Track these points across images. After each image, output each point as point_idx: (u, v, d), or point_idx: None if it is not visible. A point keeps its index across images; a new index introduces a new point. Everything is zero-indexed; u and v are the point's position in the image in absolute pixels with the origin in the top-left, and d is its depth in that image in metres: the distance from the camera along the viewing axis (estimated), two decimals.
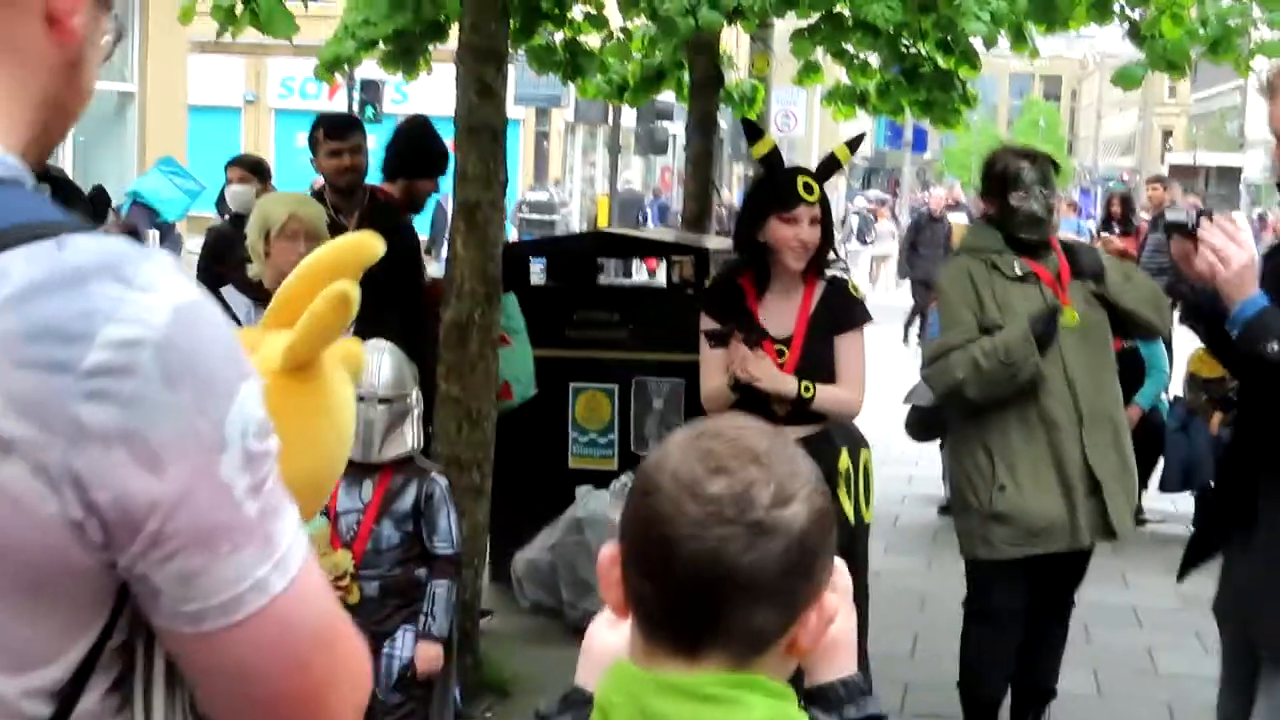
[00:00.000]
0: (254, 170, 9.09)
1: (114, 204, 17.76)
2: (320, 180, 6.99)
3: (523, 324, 6.86)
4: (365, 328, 5.49)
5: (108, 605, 1.38)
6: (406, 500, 4.84)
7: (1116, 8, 8.37)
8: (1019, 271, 5.32)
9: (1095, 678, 6.79)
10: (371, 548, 4.80)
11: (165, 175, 17.71)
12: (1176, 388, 10.68)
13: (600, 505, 7.15)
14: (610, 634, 1.78)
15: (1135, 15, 8.46)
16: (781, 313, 5.10)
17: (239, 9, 6.52)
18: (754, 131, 5.41)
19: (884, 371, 9.40)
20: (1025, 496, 5.29)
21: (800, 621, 1.63)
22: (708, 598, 1.59)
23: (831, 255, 5.21)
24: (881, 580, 5.69)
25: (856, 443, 5.41)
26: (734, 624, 1.60)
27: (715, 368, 5.08)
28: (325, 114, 6.80)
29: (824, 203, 5.07)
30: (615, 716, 1.64)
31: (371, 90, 25.77)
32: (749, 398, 5.00)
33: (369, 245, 1.78)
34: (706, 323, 5.16)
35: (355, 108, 26.41)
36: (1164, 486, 10.07)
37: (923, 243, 19.69)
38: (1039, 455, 5.29)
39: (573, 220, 30.08)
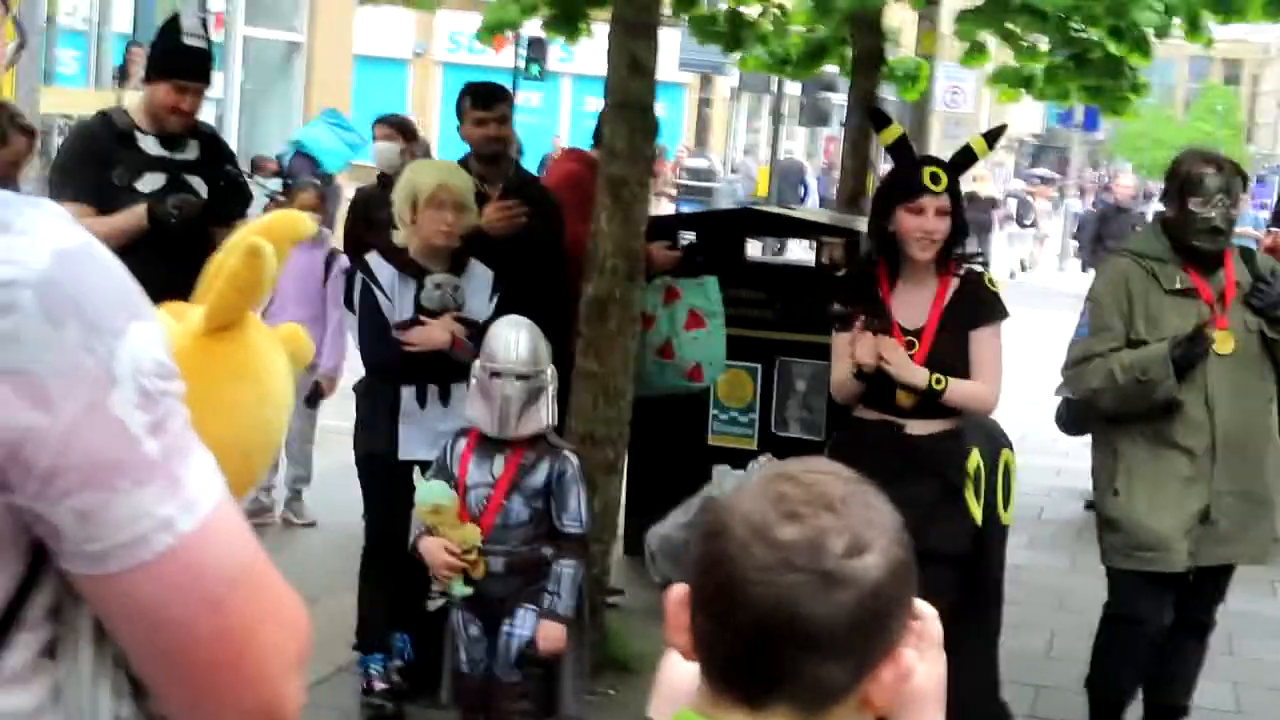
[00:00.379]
0: (400, 129, 9.11)
1: (277, 153, 18.06)
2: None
3: (720, 308, 6.83)
4: (506, 303, 5.54)
5: (20, 553, 1.38)
6: (538, 477, 4.84)
7: None
8: (1179, 285, 5.19)
9: (1235, 692, 6.61)
10: (500, 522, 4.80)
11: (329, 126, 17.91)
12: None
13: (735, 485, 7.08)
14: (685, 667, 1.70)
15: None
16: (914, 304, 5.01)
17: None
18: (881, 119, 5.30)
19: (1040, 359, 9.22)
20: (1136, 508, 5.21)
21: (873, 677, 1.57)
22: (773, 647, 1.54)
23: (970, 248, 5.12)
24: (1021, 576, 5.58)
25: (996, 442, 5.30)
26: (800, 675, 1.54)
27: (845, 354, 5.01)
28: (472, 82, 6.72)
29: (954, 193, 4.95)
30: None
31: (538, 48, 25.85)
32: (876, 387, 4.92)
33: (299, 222, 1.78)
34: (837, 310, 5.09)
35: (522, 65, 26.55)
36: None
37: (1109, 235, 18.97)
38: (1162, 472, 5.19)
39: (735, 188, 29.95)
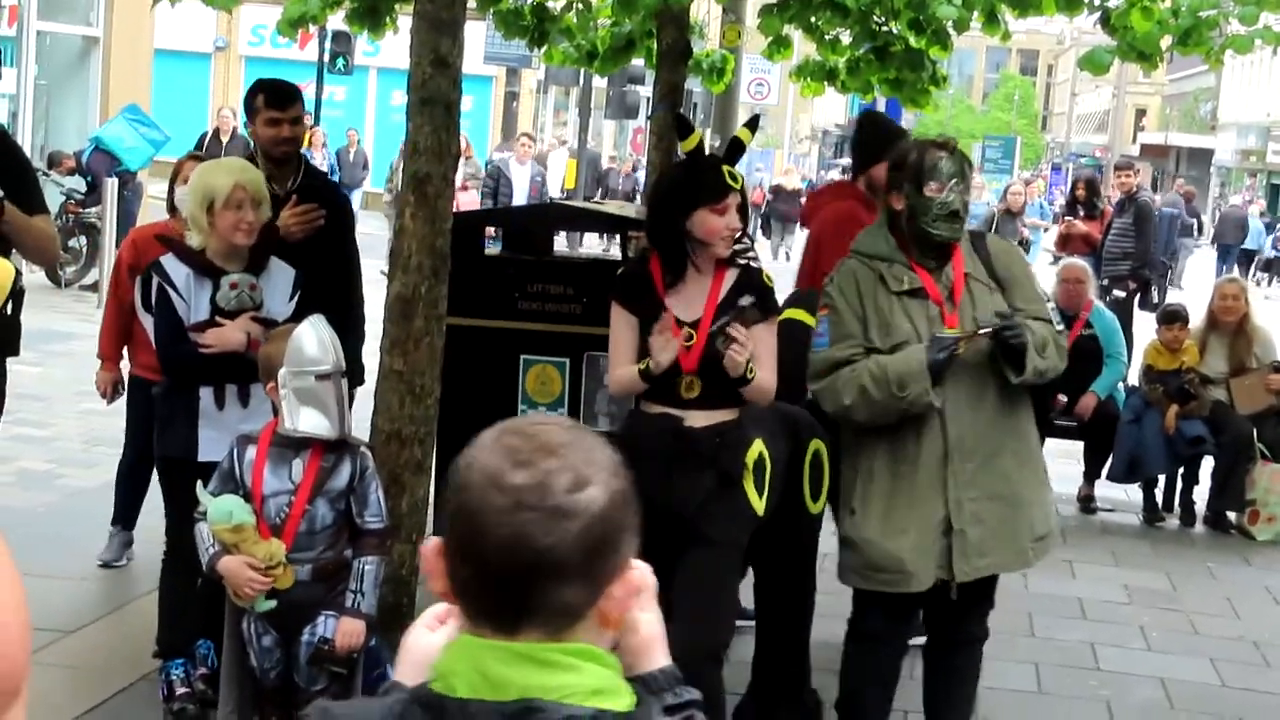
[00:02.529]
0: None
1: (75, 150, 17.67)
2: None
3: None
4: (304, 301, 5.46)
5: None
6: (341, 478, 4.78)
7: None
8: (906, 285, 5.00)
9: (1037, 673, 6.75)
10: (305, 529, 4.73)
11: (130, 123, 17.59)
12: (1134, 379, 10.67)
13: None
14: (429, 636, 1.96)
15: (1107, 3, 8.39)
16: (690, 295, 5.01)
17: None
18: (685, 126, 5.31)
19: None
20: (871, 529, 5.01)
21: (606, 594, 1.81)
22: (517, 578, 1.77)
23: (745, 244, 5.15)
24: (828, 565, 5.60)
25: (803, 431, 5.34)
26: (545, 601, 1.77)
27: (625, 354, 5.01)
28: (265, 80, 6.56)
29: (742, 189, 5.01)
30: (457, 683, 1.79)
31: (343, 41, 25.61)
32: (658, 381, 4.94)
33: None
34: (616, 310, 5.08)
35: (327, 59, 26.26)
36: (1111, 476, 10.07)
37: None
38: (900, 490, 4.99)
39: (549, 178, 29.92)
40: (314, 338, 4.73)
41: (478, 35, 19.61)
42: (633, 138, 36.41)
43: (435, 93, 5.63)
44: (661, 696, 1.99)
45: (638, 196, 19.28)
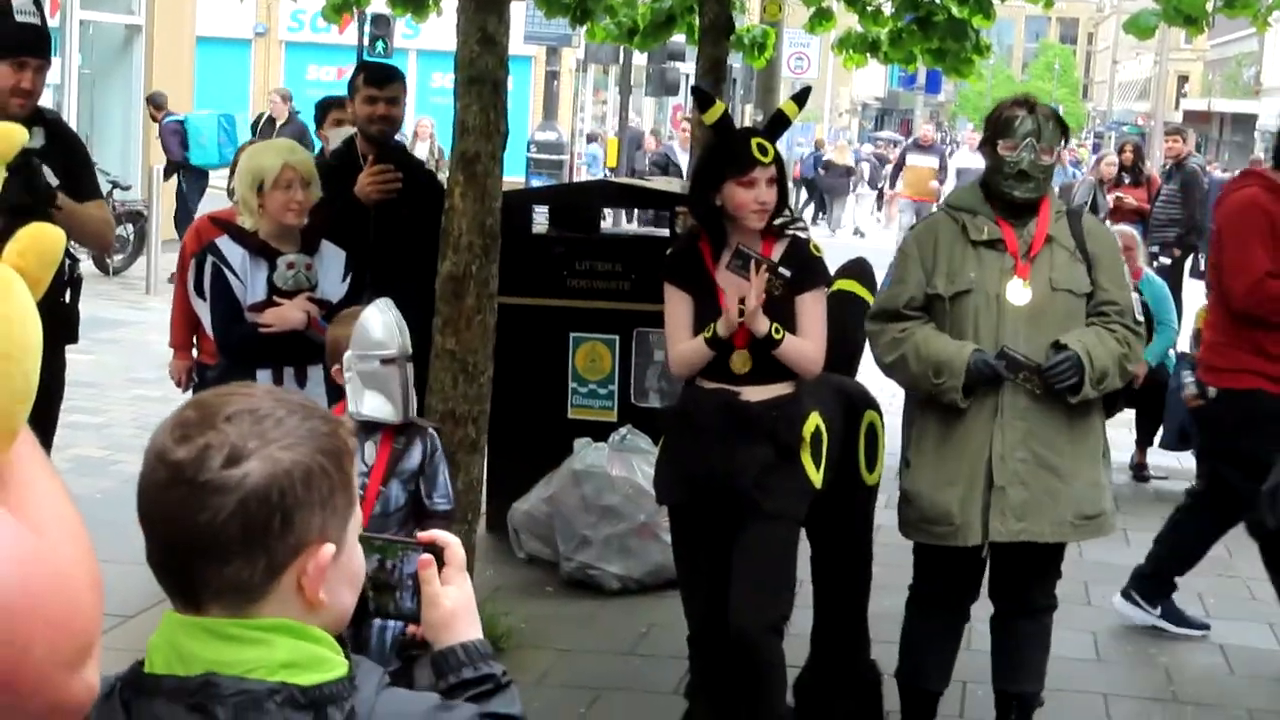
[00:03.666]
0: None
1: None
2: (330, 147, 6.98)
3: None
4: (391, 275, 5.51)
5: None
6: (414, 458, 4.78)
7: None
8: (985, 236, 5.00)
9: (1095, 641, 6.74)
10: (379, 511, 4.72)
11: (219, 127, 17.64)
12: (1184, 345, 10.60)
13: (598, 457, 7.10)
14: None
15: None
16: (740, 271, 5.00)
17: None
18: (705, 99, 5.30)
19: None
20: (924, 480, 5.03)
21: (298, 569, 1.78)
22: (179, 557, 1.76)
23: (789, 215, 5.12)
24: (881, 537, 5.60)
25: (858, 403, 5.33)
26: (209, 578, 1.76)
27: (682, 332, 5.00)
28: (368, 61, 6.86)
29: (779, 162, 4.98)
30: (156, 658, 1.80)
31: (383, 25, 25.59)
32: (711, 360, 4.93)
33: (11, 131, 1.72)
34: (669, 290, 5.07)
35: (367, 42, 26.30)
36: (1163, 445, 10.01)
37: None
38: (951, 441, 4.99)
39: (579, 160, 29.91)
40: (380, 321, 4.73)
41: (518, 15, 19.61)
42: (672, 115, 36.36)
43: (482, 71, 5.65)
44: (460, 672, 2.00)
45: (679, 171, 19.24)
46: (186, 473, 1.73)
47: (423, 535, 2.08)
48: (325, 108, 8.19)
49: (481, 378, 5.82)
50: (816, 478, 4.97)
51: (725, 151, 4.99)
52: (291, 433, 1.77)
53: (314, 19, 29.24)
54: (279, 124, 17.63)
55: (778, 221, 5.01)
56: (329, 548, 1.81)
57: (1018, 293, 4.95)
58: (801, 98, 5.41)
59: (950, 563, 5.12)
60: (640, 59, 25.91)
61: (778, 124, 5.18)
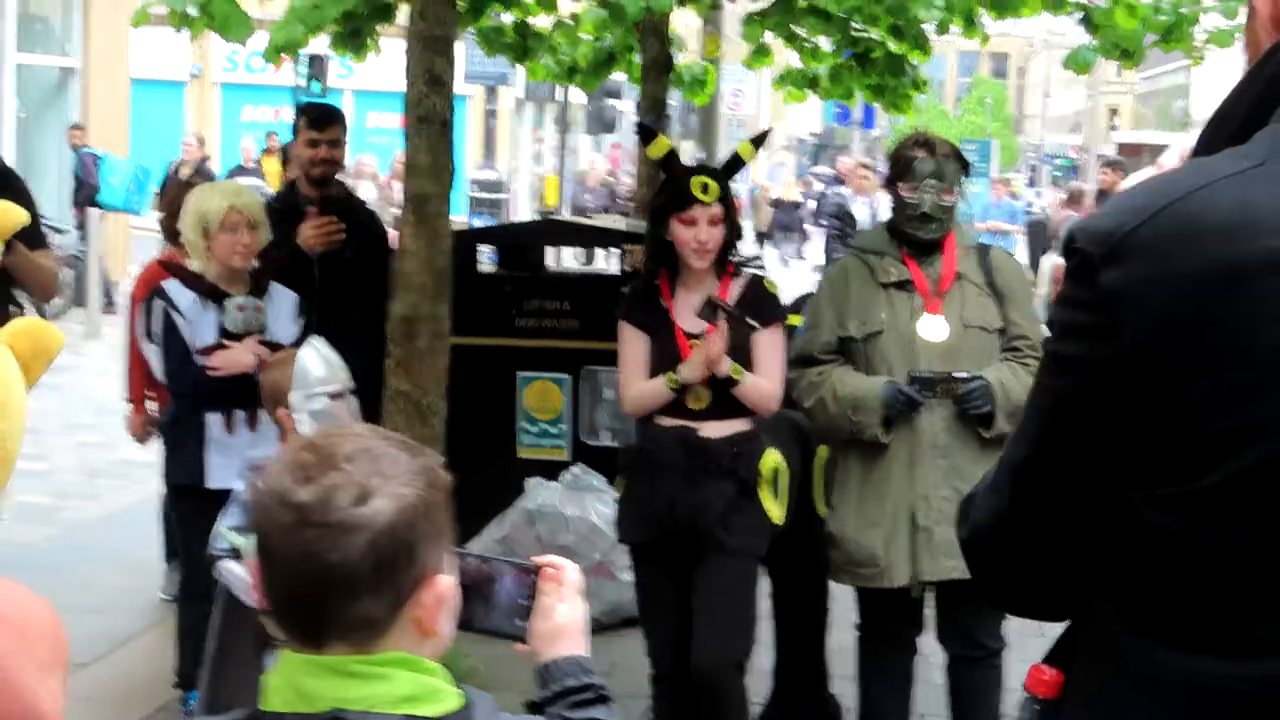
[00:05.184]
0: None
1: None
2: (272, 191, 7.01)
3: None
4: (336, 318, 5.50)
5: None
6: None
7: None
8: (894, 277, 4.98)
9: None
10: None
11: (132, 175, 17.53)
12: None
13: (551, 497, 7.08)
14: None
15: (1089, 3, 8.43)
16: (695, 307, 5.00)
17: (193, 11, 6.37)
18: (647, 133, 5.33)
19: None
20: (848, 523, 4.99)
21: (414, 603, 1.83)
22: (309, 595, 1.79)
23: (749, 252, 5.14)
24: None
25: (808, 438, 5.34)
26: (340, 615, 1.79)
27: (637, 370, 5.00)
28: (309, 103, 6.95)
29: (726, 200, 4.98)
30: (276, 698, 1.83)
31: (318, 65, 25.54)
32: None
33: (11, 212, 1.76)
34: (625, 328, 5.07)
35: (303, 82, 26.23)
36: None
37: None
38: (871, 481, 4.95)
39: (520, 199, 29.95)
40: (319, 359, 4.70)
41: (458, 54, 19.62)
42: (610, 153, 36.46)
43: (431, 111, 5.65)
44: (563, 681, 2.09)
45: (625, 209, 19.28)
46: (315, 514, 1.77)
47: (538, 559, 2.15)
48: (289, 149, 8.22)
49: (435, 418, 5.80)
50: (777, 514, 4.97)
51: (670, 188, 5.01)
52: (406, 469, 1.83)
53: (249, 59, 29.19)
54: (187, 174, 17.18)
55: (735, 259, 5.04)
56: (445, 579, 1.87)
57: (932, 329, 4.94)
58: (759, 140, 5.43)
59: (885, 603, 5.08)
60: (577, 96, 25.97)
61: (733, 165, 5.21)
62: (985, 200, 23.43)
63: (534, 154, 38.44)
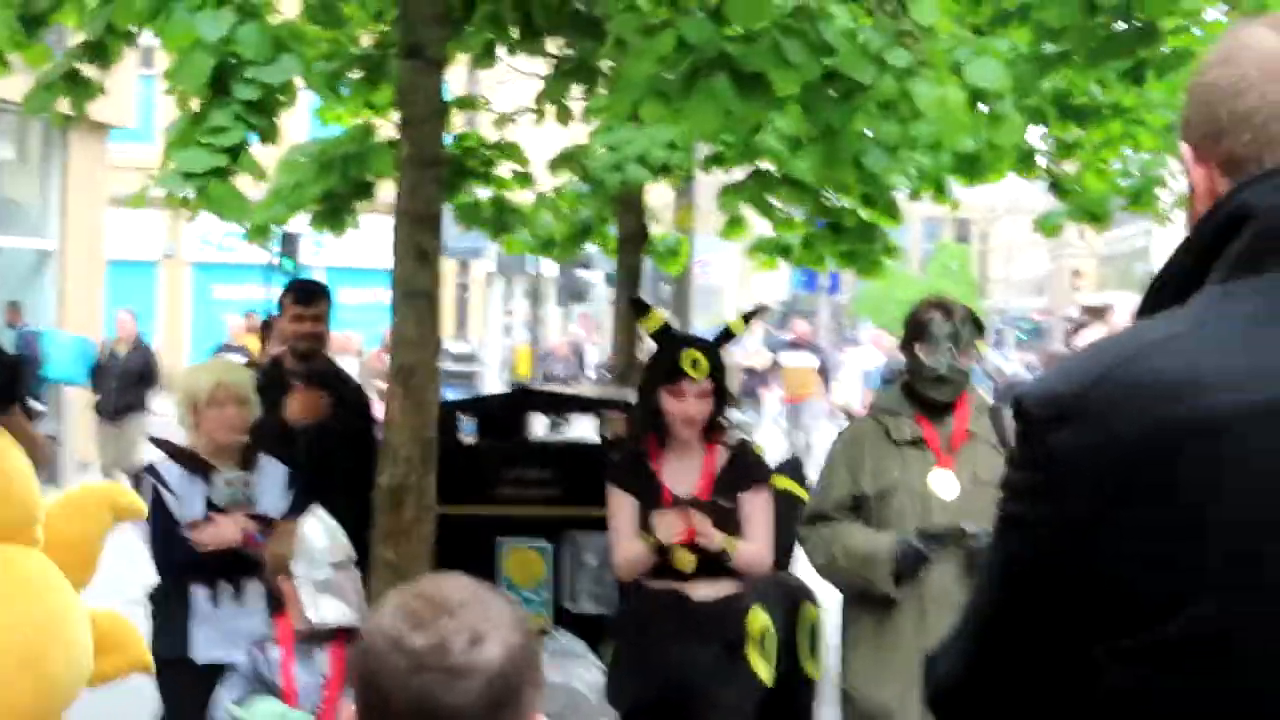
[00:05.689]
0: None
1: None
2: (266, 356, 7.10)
3: None
4: (319, 490, 5.53)
5: None
6: None
7: (1041, 161, 8.54)
8: (908, 436, 5.04)
9: None
10: None
11: (77, 353, 17.28)
12: None
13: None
14: None
15: (1058, 169, 8.64)
16: (684, 473, 5.11)
17: (190, 195, 6.50)
18: (642, 308, 5.48)
19: None
20: (859, 678, 4.99)
21: None
22: None
23: (730, 420, 5.24)
24: None
25: (796, 595, 5.39)
26: None
27: (628, 532, 5.06)
28: (296, 280, 7.14)
29: (716, 373, 5.07)
30: None
31: (290, 243, 25.75)
32: (657, 560, 5.01)
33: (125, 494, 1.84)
34: (613, 492, 5.13)
35: (275, 260, 26.42)
36: None
37: None
38: (884, 635, 4.96)
39: (491, 371, 30.07)
40: (322, 530, 4.74)
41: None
42: (580, 323, 36.68)
43: (418, 286, 5.76)
44: None
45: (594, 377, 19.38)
46: (431, 658, 1.84)
47: None
48: (269, 325, 8.39)
49: None
50: (766, 675, 5.00)
51: (661, 360, 5.11)
52: (509, 615, 1.91)
53: (222, 239, 29.42)
54: (124, 353, 16.48)
55: (727, 431, 5.13)
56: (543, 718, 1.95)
57: (944, 485, 4.98)
58: (750, 315, 5.58)
59: None
60: (548, 269, 26.25)
61: (725, 337, 5.33)
62: None
63: (504, 326, 38.68)
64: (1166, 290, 1.81)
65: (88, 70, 6.76)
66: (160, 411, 14.98)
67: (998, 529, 1.84)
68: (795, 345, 22.84)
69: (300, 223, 10.04)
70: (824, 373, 22.02)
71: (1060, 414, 1.72)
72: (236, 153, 6.07)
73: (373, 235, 10.91)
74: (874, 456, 5.05)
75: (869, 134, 7.22)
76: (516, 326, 37.26)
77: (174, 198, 6.49)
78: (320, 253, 26.50)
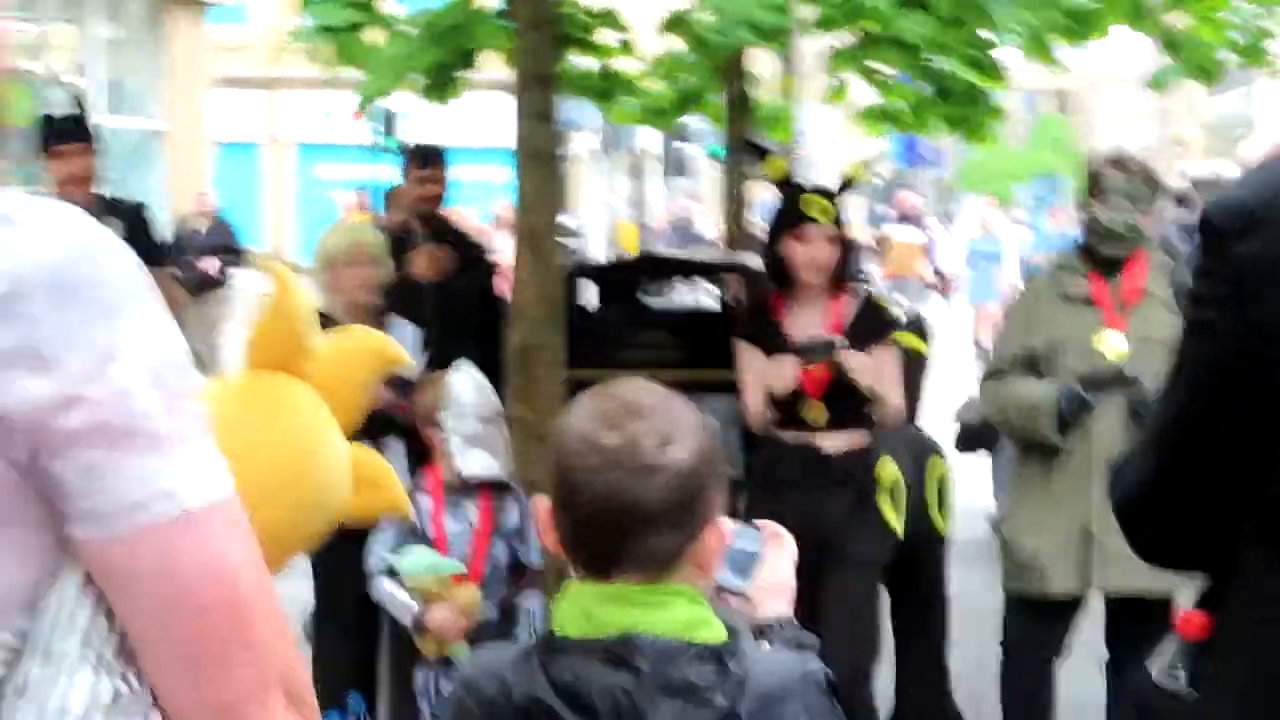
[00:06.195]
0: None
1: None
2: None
3: None
4: (448, 346, 5.68)
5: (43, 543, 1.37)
6: (513, 516, 4.88)
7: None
8: (1077, 292, 5.02)
9: None
10: (489, 570, 4.82)
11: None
12: None
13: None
14: None
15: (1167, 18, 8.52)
16: (810, 324, 5.15)
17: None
18: (762, 153, 5.51)
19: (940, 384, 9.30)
20: (1019, 526, 5.04)
21: (698, 543, 2.05)
22: (613, 529, 2.00)
23: (862, 269, 5.27)
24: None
25: (923, 449, 5.45)
26: (636, 548, 2.01)
27: (757, 385, 5.15)
28: (416, 145, 7.51)
29: (839, 219, 5.12)
30: (569, 624, 2.04)
31: (390, 121, 25.82)
32: (785, 409, 5.08)
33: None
34: (741, 347, 5.21)
35: (379, 139, 26.52)
36: None
37: None
38: (1049, 487, 4.99)
39: (596, 246, 30.09)
40: (470, 383, 4.86)
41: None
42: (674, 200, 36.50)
43: (540, 146, 5.82)
44: (782, 635, 2.26)
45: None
46: (622, 456, 1.99)
47: (760, 522, 2.34)
48: (391, 196, 8.72)
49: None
50: (897, 524, 5.08)
51: (785, 208, 5.15)
52: (696, 421, 2.06)
53: (323, 119, 29.54)
54: (205, 228, 16.44)
55: (849, 278, 5.17)
56: (726, 521, 2.13)
57: (1112, 343, 4.97)
58: (870, 163, 5.59)
59: (1038, 615, 5.09)
60: (646, 142, 26.09)
61: (846, 185, 5.35)
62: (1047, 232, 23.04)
63: (606, 201, 38.59)
64: None
65: None
66: (243, 287, 15.06)
67: (1186, 337, 1.88)
68: (903, 219, 22.38)
69: (399, 99, 10.10)
70: (925, 248, 21.68)
71: (1248, 225, 1.75)
72: (368, 7, 6.22)
73: (469, 114, 10.94)
74: (1046, 313, 5.05)
75: None
76: (619, 203, 37.18)
77: (318, 49, 6.65)
78: (418, 132, 26.60)
